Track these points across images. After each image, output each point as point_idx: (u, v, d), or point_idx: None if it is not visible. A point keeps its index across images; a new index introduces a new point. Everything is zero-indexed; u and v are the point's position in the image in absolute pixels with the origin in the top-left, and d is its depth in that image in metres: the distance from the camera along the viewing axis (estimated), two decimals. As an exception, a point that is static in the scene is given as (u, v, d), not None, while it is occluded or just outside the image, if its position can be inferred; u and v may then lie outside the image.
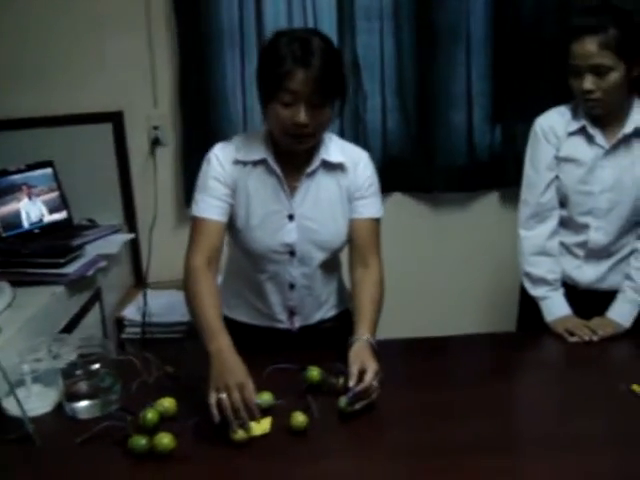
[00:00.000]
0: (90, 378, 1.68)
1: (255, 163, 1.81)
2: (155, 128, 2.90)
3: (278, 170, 1.80)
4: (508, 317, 3.02)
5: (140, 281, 2.99)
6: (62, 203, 2.80)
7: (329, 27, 2.79)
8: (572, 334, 1.95)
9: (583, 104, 1.95)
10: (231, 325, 1.88)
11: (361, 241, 1.87)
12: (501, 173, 2.96)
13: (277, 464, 1.45)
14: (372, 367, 1.62)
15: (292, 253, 1.85)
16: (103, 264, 2.43)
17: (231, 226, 1.85)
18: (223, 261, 1.91)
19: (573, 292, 2.06)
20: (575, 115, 2.00)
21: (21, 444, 1.52)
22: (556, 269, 2.05)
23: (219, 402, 1.51)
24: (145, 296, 2.73)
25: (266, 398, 1.62)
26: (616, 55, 1.83)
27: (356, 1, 2.76)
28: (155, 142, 2.91)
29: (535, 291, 2.06)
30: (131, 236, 2.73)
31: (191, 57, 2.78)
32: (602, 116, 1.95)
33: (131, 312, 2.74)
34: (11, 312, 2.02)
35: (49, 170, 2.79)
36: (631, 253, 2.03)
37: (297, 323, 1.96)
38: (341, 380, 1.67)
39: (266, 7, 2.75)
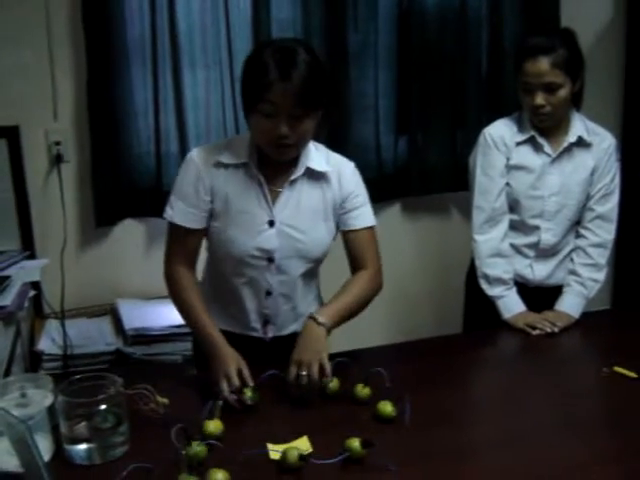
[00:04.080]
0: (91, 418, 1.51)
1: (237, 166, 1.79)
2: (57, 144, 2.67)
3: (260, 175, 1.79)
4: (414, 322, 3.19)
5: (41, 311, 2.73)
6: (-48, 230, 2.49)
7: (244, 39, 2.76)
8: (533, 328, 2.11)
9: (533, 117, 2.12)
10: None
11: (358, 252, 1.89)
12: (405, 183, 3.11)
13: None
14: (307, 356, 1.71)
15: (270, 260, 1.83)
16: (32, 293, 2.21)
17: (211, 228, 1.82)
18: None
19: (524, 289, 2.23)
20: (521, 126, 2.18)
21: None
22: (510, 269, 2.21)
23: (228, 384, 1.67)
24: (64, 327, 2.50)
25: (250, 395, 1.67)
26: (565, 73, 2.03)
27: (272, 15, 2.75)
28: (58, 159, 2.67)
29: (492, 291, 2.20)
30: (45, 261, 2.48)
31: (97, 68, 2.60)
32: (548, 127, 2.14)
33: (47, 345, 2.48)
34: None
35: None
36: (573, 250, 2.24)
37: (270, 333, 1.95)
38: (364, 390, 1.70)
39: (180, 20, 2.65)
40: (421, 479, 1.43)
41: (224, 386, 1.67)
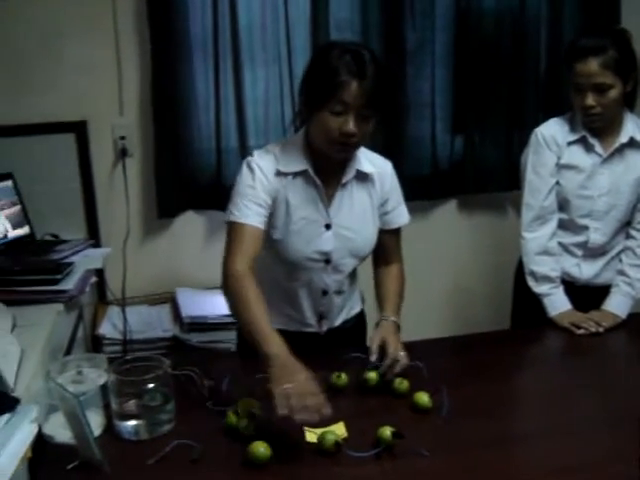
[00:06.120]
0: (140, 396, 1.60)
1: (295, 174, 1.84)
2: (122, 138, 2.80)
3: (318, 180, 1.84)
4: (468, 317, 3.21)
5: (104, 297, 2.87)
6: (24, 218, 2.63)
7: (303, 38, 2.83)
8: (578, 327, 2.11)
9: (584, 118, 2.12)
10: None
11: (387, 246, 2.01)
12: (461, 181, 3.13)
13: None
14: (392, 340, 1.79)
15: (327, 261, 1.90)
16: (94, 279, 2.33)
17: (267, 236, 1.86)
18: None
19: (571, 288, 2.23)
20: (573, 126, 2.18)
21: (85, 472, 1.43)
22: (557, 267, 2.21)
23: (285, 393, 1.49)
24: (124, 313, 2.63)
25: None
26: (615, 74, 2.02)
27: (330, 14, 2.81)
28: (123, 153, 2.80)
29: (539, 288, 2.21)
30: (108, 250, 2.61)
31: (162, 65, 2.72)
32: (600, 128, 2.13)
33: (108, 329, 2.62)
34: (23, 332, 1.87)
35: (9, 183, 2.61)
36: (622, 251, 2.23)
37: (325, 326, 2.02)
38: (402, 384, 1.74)
39: (241, 18, 2.74)
40: (452, 466, 1.46)
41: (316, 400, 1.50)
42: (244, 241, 1.78)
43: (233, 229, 1.80)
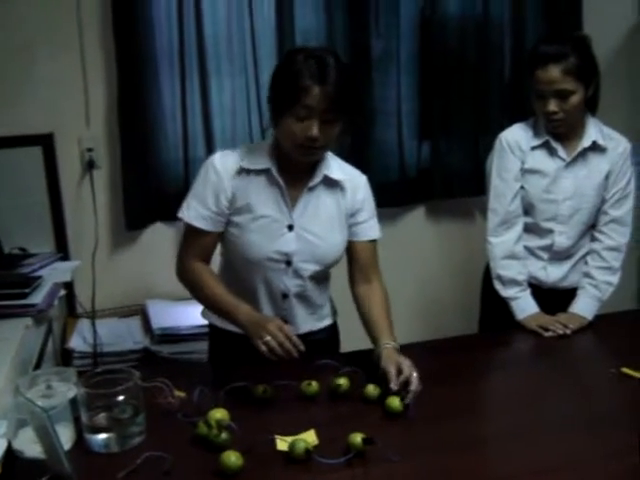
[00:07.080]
0: (110, 409, 1.59)
1: (258, 172, 1.87)
2: (89, 150, 2.79)
3: (281, 181, 1.86)
4: (437, 323, 3.23)
5: (73, 310, 2.84)
6: (-9, 232, 2.61)
7: (269, 47, 2.85)
8: (546, 329, 2.14)
9: (547, 124, 2.16)
10: (222, 335, 1.99)
11: (363, 261, 1.99)
12: (428, 187, 3.16)
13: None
14: (406, 363, 1.75)
15: (288, 263, 1.90)
16: (63, 293, 2.31)
17: (228, 233, 1.89)
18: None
19: (538, 291, 2.26)
20: (536, 131, 2.21)
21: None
22: (524, 271, 2.24)
23: (266, 344, 1.69)
24: (94, 325, 2.61)
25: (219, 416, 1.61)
26: (576, 80, 2.06)
27: (296, 23, 2.83)
28: (90, 165, 2.79)
29: (506, 292, 2.23)
30: (77, 263, 2.59)
31: (128, 76, 2.71)
32: (563, 132, 2.17)
33: (78, 343, 2.60)
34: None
35: (-25, 197, 2.60)
36: (587, 254, 2.26)
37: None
38: (375, 390, 1.74)
39: (206, 28, 2.75)
40: (424, 470, 1.48)
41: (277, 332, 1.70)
42: (196, 243, 1.91)
43: (186, 228, 1.92)
